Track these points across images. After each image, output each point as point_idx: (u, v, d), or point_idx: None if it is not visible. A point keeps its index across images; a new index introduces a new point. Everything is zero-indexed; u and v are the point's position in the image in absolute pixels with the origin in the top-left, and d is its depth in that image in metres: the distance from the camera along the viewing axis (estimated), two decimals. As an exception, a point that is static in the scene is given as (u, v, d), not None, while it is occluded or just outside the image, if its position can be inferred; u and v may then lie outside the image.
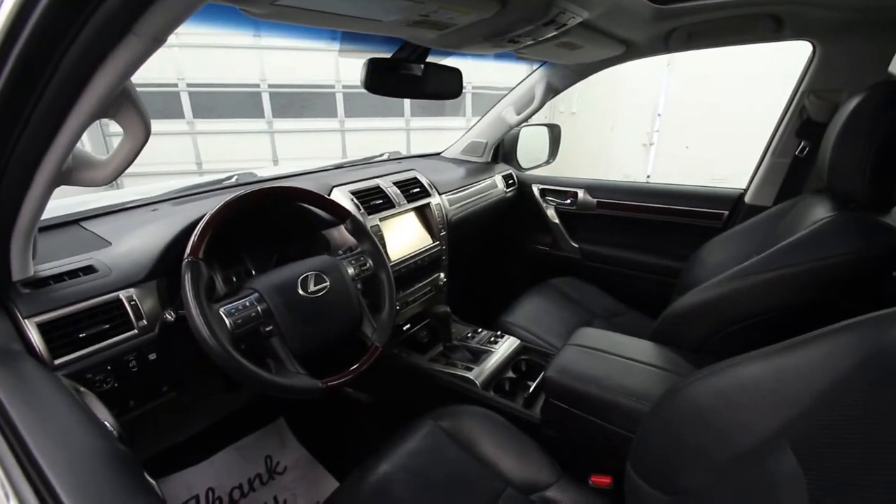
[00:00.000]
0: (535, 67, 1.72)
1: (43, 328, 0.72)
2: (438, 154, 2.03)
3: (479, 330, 1.50)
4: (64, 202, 1.07)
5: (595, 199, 1.81)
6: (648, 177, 5.05)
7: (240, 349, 0.79)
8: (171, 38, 0.49)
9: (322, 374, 0.89)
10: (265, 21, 0.72)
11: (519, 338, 1.42)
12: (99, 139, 4.40)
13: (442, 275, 1.54)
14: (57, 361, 0.72)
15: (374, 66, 1.05)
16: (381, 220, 1.29)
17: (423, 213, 1.47)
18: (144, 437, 0.96)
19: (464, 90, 1.36)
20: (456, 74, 1.21)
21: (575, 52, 1.30)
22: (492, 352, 1.36)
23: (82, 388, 0.71)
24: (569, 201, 1.87)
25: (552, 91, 1.72)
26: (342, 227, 1.10)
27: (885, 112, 0.84)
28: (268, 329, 0.85)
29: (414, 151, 2.07)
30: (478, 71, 5.31)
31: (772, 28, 1.19)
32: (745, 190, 1.53)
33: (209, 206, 0.88)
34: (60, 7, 0.42)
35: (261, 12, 0.68)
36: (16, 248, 0.66)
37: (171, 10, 0.45)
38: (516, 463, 0.91)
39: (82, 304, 0.77)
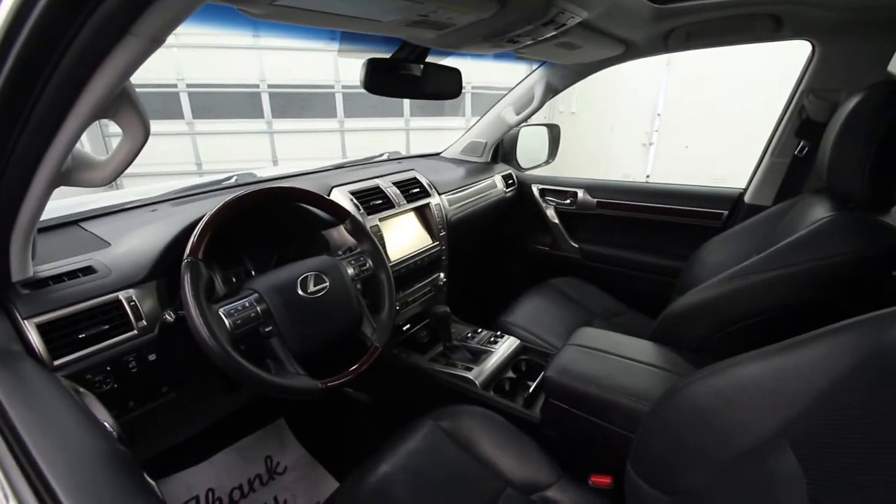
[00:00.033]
0: (534, 67, 1.72)
1: (42, 329, 0.71)
2: (438, 154, 2.03)
3: (479, 330, 1.50)
4: (63, 203, 1.07)
5: (595, 199, 1.81)
6: (648, 177, 5.05)
7: (239, 350, 0.79)
8: (170, 39, 0.49)
9: (322, 375, 0.89)
10: (264, 21, 0.72)
11: (519, 338, 1.42)
12: (98, 140, 4.40)
13: (442, 275, 1.54)
14: (56, 362, 0.72)
15: (373, 67, 1.05)
16: (380, 220, 1.29)
17: (423, 214, 1.47)
18: (144, 437, 0.96)
19: (463, 90, 1.36)
20: (455, 74, 1.21)
21: (574, 52, 1.30)
22: (492, 352, 1.36)
23: (82, 389, 0.71)
24: (568, 201, 1.87)
25: (551, 91, 1.72)
26: (342, 228, 1.10)
27: (884, 111, 0.84)
28: (267, 329, 0.85)
29: (413, 151, 2.07)
30: (477, 71, 5.31)
31: (771, 28, 1.19)
32: (745, 190, 1.53)
33: (209, 207, 0.88)
34: (59, 8, 0.42)
35: (260, 12, 0.68)
36: (15, 249, 0.66)
37: (170, 11, 0.45)
38: (516, 463, 0.91)
39: (82, 304, 0.77)
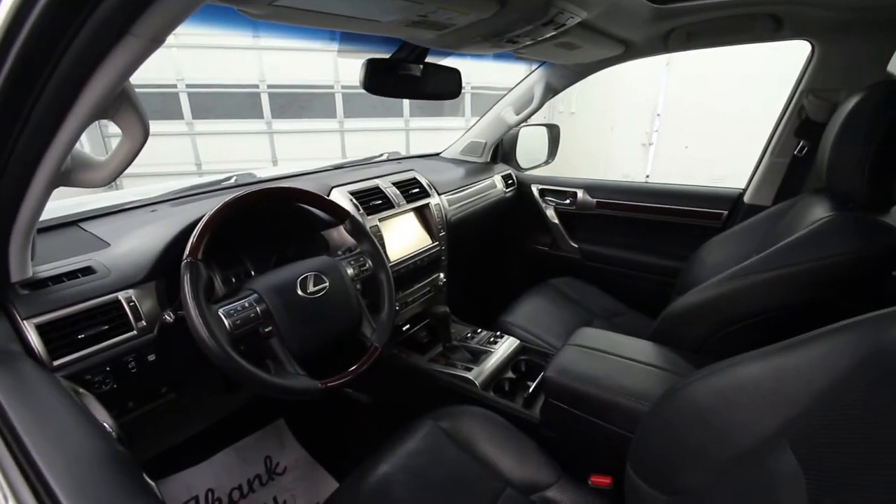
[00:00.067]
0: (534, 67, 1.72)
1: (42, 329, 0.71)
2: (438, 154, 2.03)
3: (479, 330, 1.50)
4: (63, 203, 1.07)
5: (594, 199, 1.81)
6: (648, 177, 5.06)
7: (239, 350, 0.79)
8: (170, 39, 0.49)
9: (321, 375, 0.89)
10: (264, 21, 0.72)
11: (518, 338, 1.42)
12: (98, 140, 4.39)
13: (441, 275, 1.54)
14: (56, 362, 0.72)
15: (373, 67, 1.05)
16: (380, 220, 1.29)
17: (423, 214, 1.47)
18: (144, 438, 0.96)
19: (463, 90, 1.36)
20: (455, 74, 1.21)
21: (574, 52, 1.30)
22: (491, 352, 1.36)
23: (81, 390, 0.71)
24: (568, 201, 1.87)
25: (551, 91, 1.72)
26: (341, 228, 1.10)
27: (883, 111, 0.84)
28: (267, 330, 0.85)
29: (413, 152, 2.07)
30: (477, 71, 5.30)
31: (770, 28, 1.19)
32: (745, 190, 1.53)
33: (208, 207, 0.88)
34: (58, 8, 0.42)
35: (259, 13, 0.68)
36: (14, 249, 0.66)
37: (170, 11, 0.45)
38: (516, 463, 0.91)
39: (81, 305, 0.77)
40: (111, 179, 0.65)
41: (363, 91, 1.07)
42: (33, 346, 0.70)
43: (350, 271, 1.02)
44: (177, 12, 0.46)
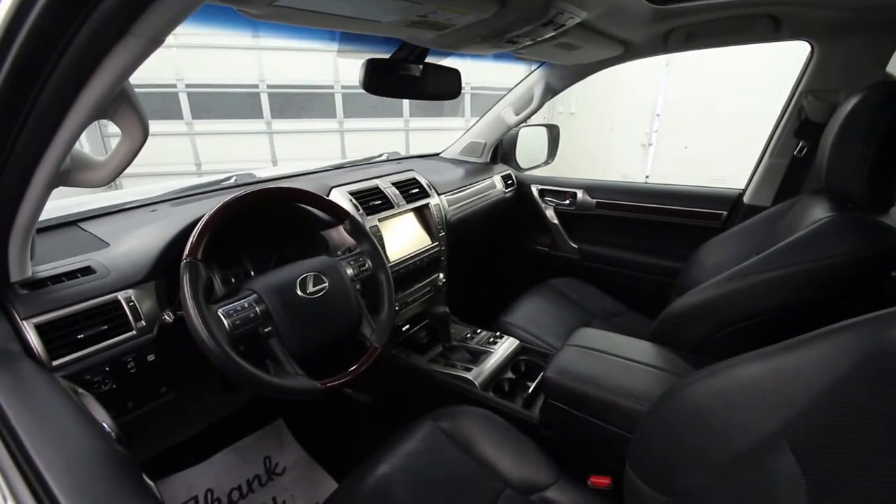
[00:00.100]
0: (533, 68, 1.72)
1: (41, 329, 0.71)
2: (437, 154, 2.03)
3: (479, 330, 1.50)
4: (62, 203, 1.07)
5: (594, 200, 1.81)
6: (647, 177, 5.06)
7: (238, 350, 0.79)
8: (170, 39, 0.49)
9: (321, 375, 0.89)
10: (263, 21, 0.72)
11: (518, 338, 1.42)
12: (97, 140, 4.39)
13: (441, 275, 1.54)
14: (55, 363, 0.72)
15: (372, 67, 1.05)
16: (380, 220, 1.29)
17: (422, 214, 1.47)
18: (143, 438, 0.95)
19: (462, 90, 1.36)
20: (455, 75, 1.21)
21: (573, 53, 1.30)
22: (491, 352, 1.36)
23: (80, 390, 0.71)
24: (568, 202, 1.87)
25: (551, 91, 1.72)
26: (341, 228, 1.10)
27: (882, 112, 0.84)
28: (266, 330, 0.85)
29: (413, 152, 2.07)
30: (476, 71, 5.30)
31: (770, 28, 1.19)
32: (744, 190, 1.53)
33: (208, 207, 0.88)
34: (58, 7, 0.42)
35: (259, 13, 0.68)
36: (14, 249, 0.66)
37: (169, 11, 0.45)
38: (515, 463, 0.91)
39: (80, 305, 0.76)
40: (111, 179, 0.65)
41: (363, 91, 1.07)
42: (32, 346, 0.70)
43: (350, 271, 1.02)
44: (177, 12, 0.46)
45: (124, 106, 0.56)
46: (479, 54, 1.15)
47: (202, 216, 0.85)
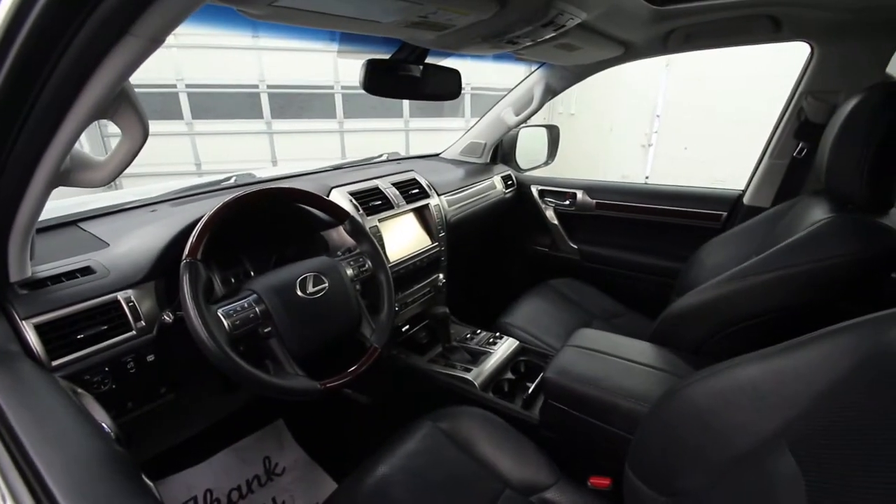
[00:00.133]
0: (533, 68, 1.73)
1: (40, 329, 0.71)
2: (437, 155, 2.03)
3: (478, 331, 1.50)
4: (62, 203, 1.07)
5: (594, 200, 1.81)
6: (647, 178, 5.06)
7: (238, 350, 0.79)
8: (170, 39, 0.49)
9: (321, 376, 0.88)
10: (263, 22, 0.72)
11: (518, 339, 1.42)
12: (97, 140, 4.39)
13: (441, 276, 1.54)
14: (54, 363, 0.72)
15: (372, 67, 1.05)
16: (379, 220, 1.29)
17: (422, 214, 1.47)
18: (143, 438, 0.95)
19: (462, 91, 1.36)
20: (455, 75, 1.21)
21: (573, 54, 1.31)
22: (491, 353, 1.36)
23: (80, 390, 0.71)
24: (567, 202, 1.87)
25: (551, 92, 1.72)
26: (341, 228, 1.10)
27: (882, 113, 0.84)
28: (266, 330, 0.85)
29: (413, 152, 2.07)
30: (476, 72, 5.30)
31: (770, 29, 1.19)
32: (744, 191, 1.53)
33: (208, 207, 0.88)
34: (58, 7, 0.42)
35: (259, 13, 0.68)
36: (13, 249, 0.66)
37: (169, 11, 0.45)
38: (515, 464, 0.91)
39: (80, 305, 0.76)
40: (111, 179, 0.65)
41: (363, 91, 1.07)
42: (32, 346, 0.70)
43: (349, 272, 1.02)
44: (177, 12, 0.46)
45: (124, 106, 0.56)
46: (479, 55, 1.15)
47: (202, 216, 0.85)
